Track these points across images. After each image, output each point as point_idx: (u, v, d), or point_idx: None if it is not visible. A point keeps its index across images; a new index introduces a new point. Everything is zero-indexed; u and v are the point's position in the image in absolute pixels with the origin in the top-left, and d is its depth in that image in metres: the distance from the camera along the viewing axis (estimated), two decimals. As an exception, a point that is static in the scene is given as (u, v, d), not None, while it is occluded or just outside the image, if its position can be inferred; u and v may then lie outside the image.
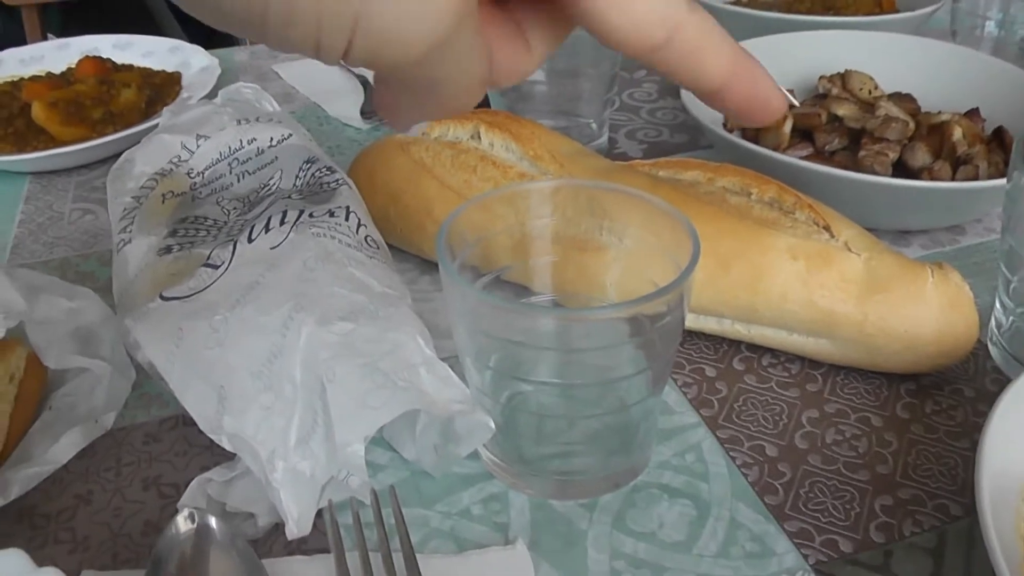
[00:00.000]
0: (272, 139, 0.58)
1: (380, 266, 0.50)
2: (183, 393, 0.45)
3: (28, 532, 0.47)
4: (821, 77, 0.78)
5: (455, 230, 0.45)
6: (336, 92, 0.89)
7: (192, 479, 0.46)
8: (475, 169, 0.59)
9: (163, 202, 0.55)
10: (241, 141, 0.58)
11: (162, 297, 0.48)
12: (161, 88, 0.83)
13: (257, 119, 0.60)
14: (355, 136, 0.83)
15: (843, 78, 0.78)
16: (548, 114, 0.73)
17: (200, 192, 0.56)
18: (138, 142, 0.64)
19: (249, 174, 0.57)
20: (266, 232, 0.49)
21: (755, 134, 0.73)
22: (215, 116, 0.60)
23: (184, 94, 0.82)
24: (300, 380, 0.42)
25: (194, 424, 0.51)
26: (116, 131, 0.76)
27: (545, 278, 0.52)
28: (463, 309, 0.43)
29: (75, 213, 0.72)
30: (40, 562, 0.39)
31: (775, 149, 0.70)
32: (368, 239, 0.52)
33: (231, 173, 0.57)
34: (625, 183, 0.54)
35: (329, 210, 0.51)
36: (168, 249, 0.51)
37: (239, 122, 0.59)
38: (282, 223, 0.50)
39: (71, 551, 0.46)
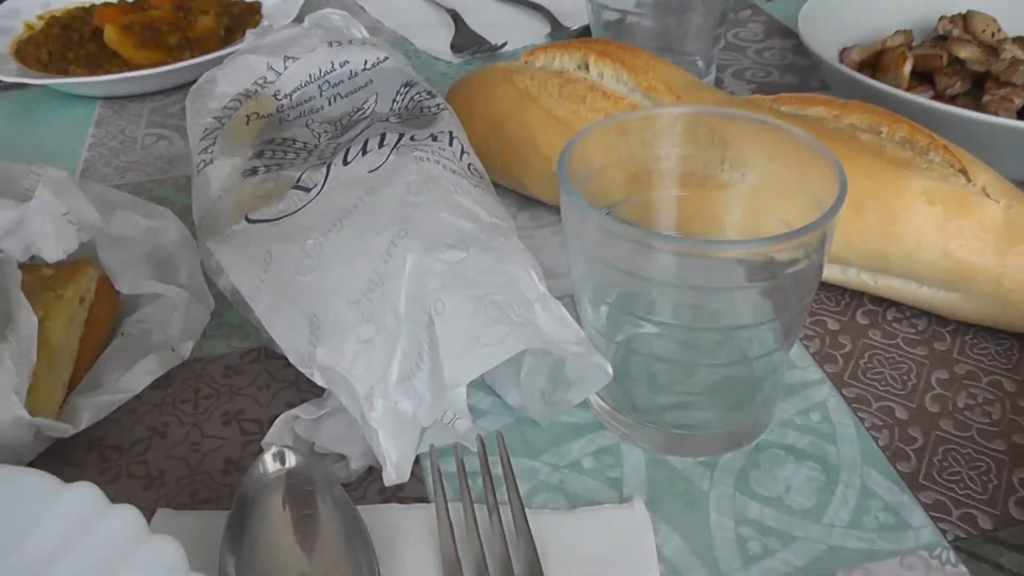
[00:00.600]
0: (366, 62, 0.54)
1: (486, 196, 0.45)
2: (271, 321, 0.42)
3: (99, 464, 0.44)
4: (942, 17, 0.72)
5: (574, 158, 0.41)
6: (424, 25, 0.84)
7: (276, 416, 0.42)
8: (584, 99, 0.54)
9: (247, 123, 0.51)
10: (332, 63, 0.54)
11: (248, 219, 0.44)
12: (240, 17, 0.79)
13: (350, 42, 0.55)
14: (446, 70, 0.79)
15: (965, 19, 0.72)
16: (652, 50, 0.68)
17: (288, 115, 0.52)
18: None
19: (341, 97, 0.53)
20: (363, 155, 0.45)
21: (872, 75, 0.67)
22: (304, 38, 0.56)
23: (264, 23, 0.78)
24: (404, 311, 0.38)
25: (278, 357, 0.48)
26: (193, 57, 0.73)
27: (659, 215, 0.47)
28: (584, 236, 0.39)
29: (148, 138, 0.69)
30: (112, 497, 0.36)
31: (894, 91, 0.65)
32: (471, 167, 0.48)
33: (321, 96, 0.53)
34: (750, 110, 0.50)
35: (431, 134, 0.47)
36: (254, 171, 0.48)
37: (330, 44, 0.55)
38: (380, 146, 0.46)
39: (146, 487, 0.43)
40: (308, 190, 0.45)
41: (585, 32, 0.78)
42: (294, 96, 0.53)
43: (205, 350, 0.50)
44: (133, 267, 0.49)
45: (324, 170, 0.45)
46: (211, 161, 0.49)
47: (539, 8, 0.85)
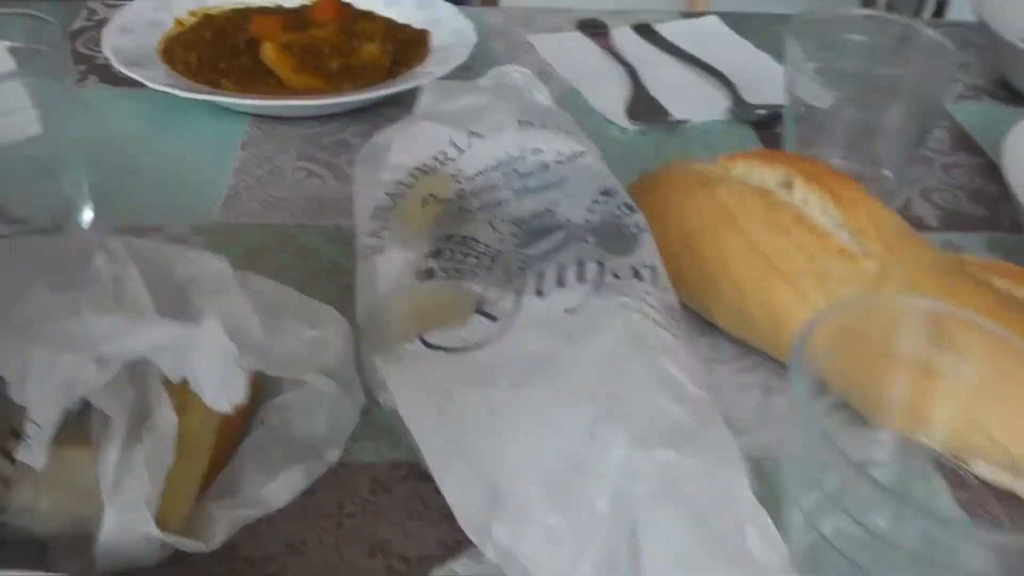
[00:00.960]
0: (560, 153, 0.49)
1: (686, 350, 0.41)
2: (442, 473, 0.38)
3: (229, 579, 0.40)
4: None
5: (808, 344, 0.36)
6: (598, 78, 0.78)
7: (427, 555, 0.40)
8: (788, 232, 0.49)
9: (423, 207, 0.47)
10: (522, 149, 0.49)
11: (424, 341, 0.40)
12: (407, 46, 0.73)
13: (544, 125, 0.50)
14: (619, 137, 0.72)
15: None
16: (841, 150, 0.62)
17: (468, 203, 0.47)
18: (377, 103, 0.54)
19: (530, 192, 0.48)
20: (559, 287, 0.41)
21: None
22: (491, 111, 0.51)
23: (432, 59, 0.73)
24: (604, 511, 0.34)
25: (431, 479, 0.43)
26: (355, 88, 0.68)
27: (879, 405, 0.42)
28: (809, 449, 0.34)
29: (298, 172, 0.65)
30: None
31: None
32: (670, 308, 0.43)
33: (506, 186, 0.48)
34: (966, 295, 0.46)
35: (634, 268, 0.42)
36: (430, 273, 0.43)
37: (520, 124, 0.50)
38: (580, 279, 0.41)
39: (277, 616, 0.39)
40: (494, 319, 0.40)
41: (771, 116, 0.72)
42: (477, 180, 0.48)
43: (351, 454, 0.45)
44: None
45: (513, 298, 0.41)
46: (382, 249, 0.45)
47: (721, 77, 0.79)
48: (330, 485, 0.44)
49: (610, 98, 0.75)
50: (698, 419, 0.37)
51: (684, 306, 0.53)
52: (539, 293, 0.41)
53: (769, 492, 0.44)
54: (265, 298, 0.42)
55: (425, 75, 0.70)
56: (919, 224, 0.65)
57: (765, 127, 0.73)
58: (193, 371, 0.36)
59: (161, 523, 0.39)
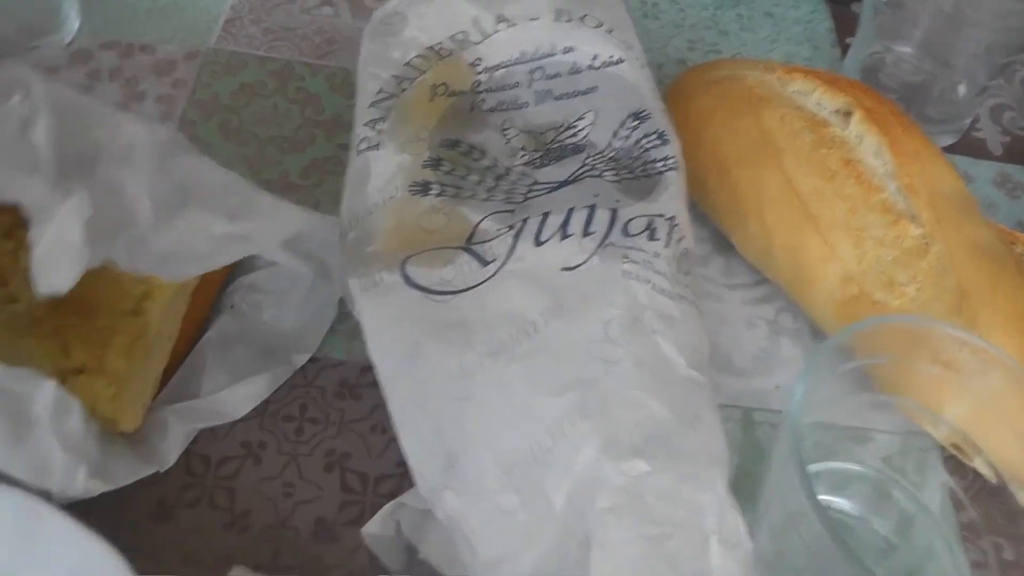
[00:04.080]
0: (595, 57, 0.44)
1: (688, 319, 0.37)
2: (402, 424, 0.36)
3: (182, 477, 0.39)
4: None
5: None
6: None
7: (385, 474, 0.39)
8: (834, 176, 0.44)
9: (431, 99, 0.42)
10: (553, 45, 0.44)
11: (405, 275, 0.36)
12: None
13: (583, 18, 0.44)
14: None
15: None
16: (914, 50, 0.55)
17: (483, 101, 0.43)
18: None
19: (553, 98, 0.43)
20: (561, 239, 0.37)
21: None
22: (531, -12, 0.45)
23: None
24: (560, 512, 0.32)
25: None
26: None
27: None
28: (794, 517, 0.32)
29: (313, -1, 0.59)
30: (187, 529, 0.34)
31: None
32: (682, 260, 0.39)
33: (530, 86, 0.43)
34: (1003, 284, 0.42)
35: (649, 221, 0.38)
36: (425, 188, 0.39)
37: (558, 16, 0.44)
38: (585, 232, 0.37)
39: (227, 526, 0.39)
40: (484, 262, 0.37)
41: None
42: (496, 75, 0.43)
43: (322, 348, 0.43)
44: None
45: (510, 241, 0.37)
46: (377, 145, 0.41)
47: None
48: (296, 381, 0.43)
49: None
50: (680, 415, 0.34)
51: (704, 219, 0.49)
52: (538, 242, 0.37)
53: (752, 449, 0.43)
54: (184, 180, 0.38)
55: None
56: (980, 150, 0.59)
57: (841, 2, 0.66)
58: (38, 244, 0.33)
59: (116, 423, 0.37)
